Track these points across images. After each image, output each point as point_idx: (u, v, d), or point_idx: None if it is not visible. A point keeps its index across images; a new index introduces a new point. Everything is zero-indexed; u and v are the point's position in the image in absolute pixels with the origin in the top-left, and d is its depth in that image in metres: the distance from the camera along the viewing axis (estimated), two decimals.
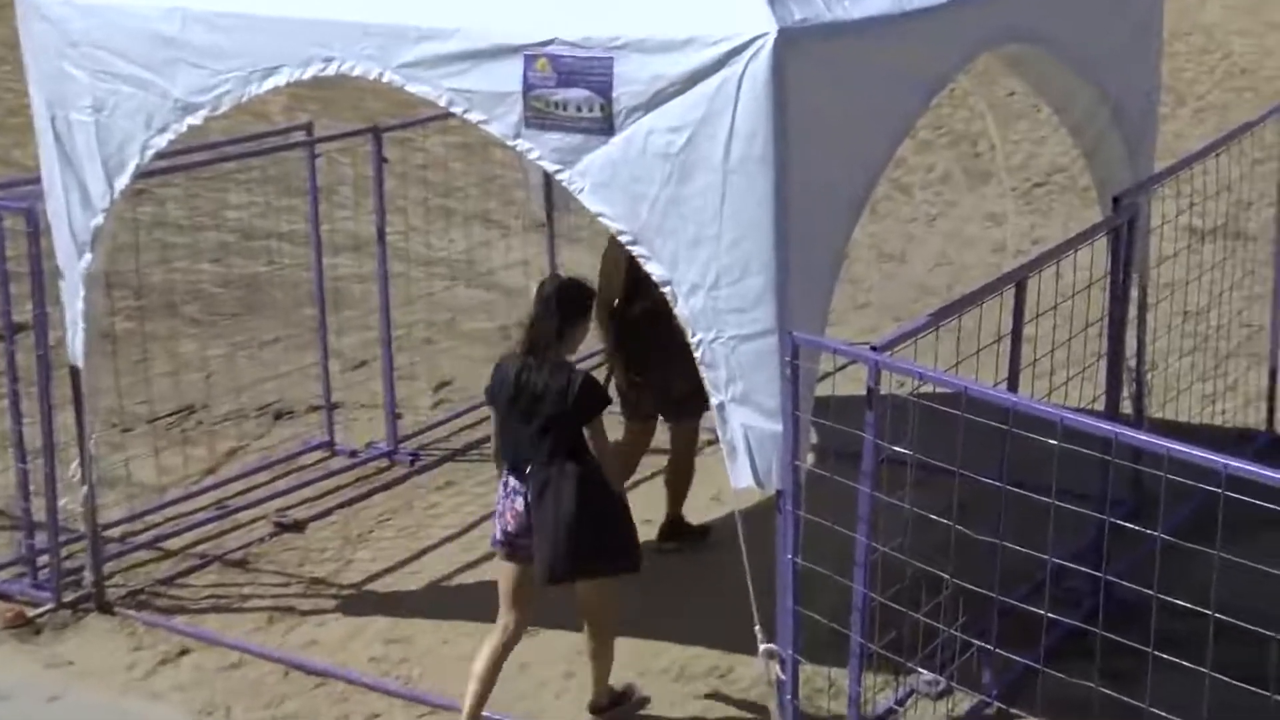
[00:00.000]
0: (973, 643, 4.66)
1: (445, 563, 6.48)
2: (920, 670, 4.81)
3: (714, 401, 4.66)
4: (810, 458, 4.95)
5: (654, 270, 4.66)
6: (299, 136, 7.63)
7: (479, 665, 5.11)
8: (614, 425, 5.87)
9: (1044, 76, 6.10)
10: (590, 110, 4.58)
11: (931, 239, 11.05)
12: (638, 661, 5.57)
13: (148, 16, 5.38)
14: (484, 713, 5.14)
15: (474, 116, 4.82)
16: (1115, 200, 5.74)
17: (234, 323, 9.28)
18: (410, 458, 7.45)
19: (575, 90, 4.59)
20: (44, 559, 6.23)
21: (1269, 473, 3.69)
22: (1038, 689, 4.73)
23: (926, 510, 4.48)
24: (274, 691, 5.58)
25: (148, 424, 7.69)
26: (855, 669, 4.62)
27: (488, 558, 6.45)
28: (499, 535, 5.12)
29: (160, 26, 5.34)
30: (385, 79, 4.96)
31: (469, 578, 6.36)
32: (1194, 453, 3.83)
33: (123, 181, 5.60)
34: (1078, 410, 4.40)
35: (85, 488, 6.05)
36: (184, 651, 5.83)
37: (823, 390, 5.05)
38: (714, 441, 5.25)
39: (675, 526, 6.45)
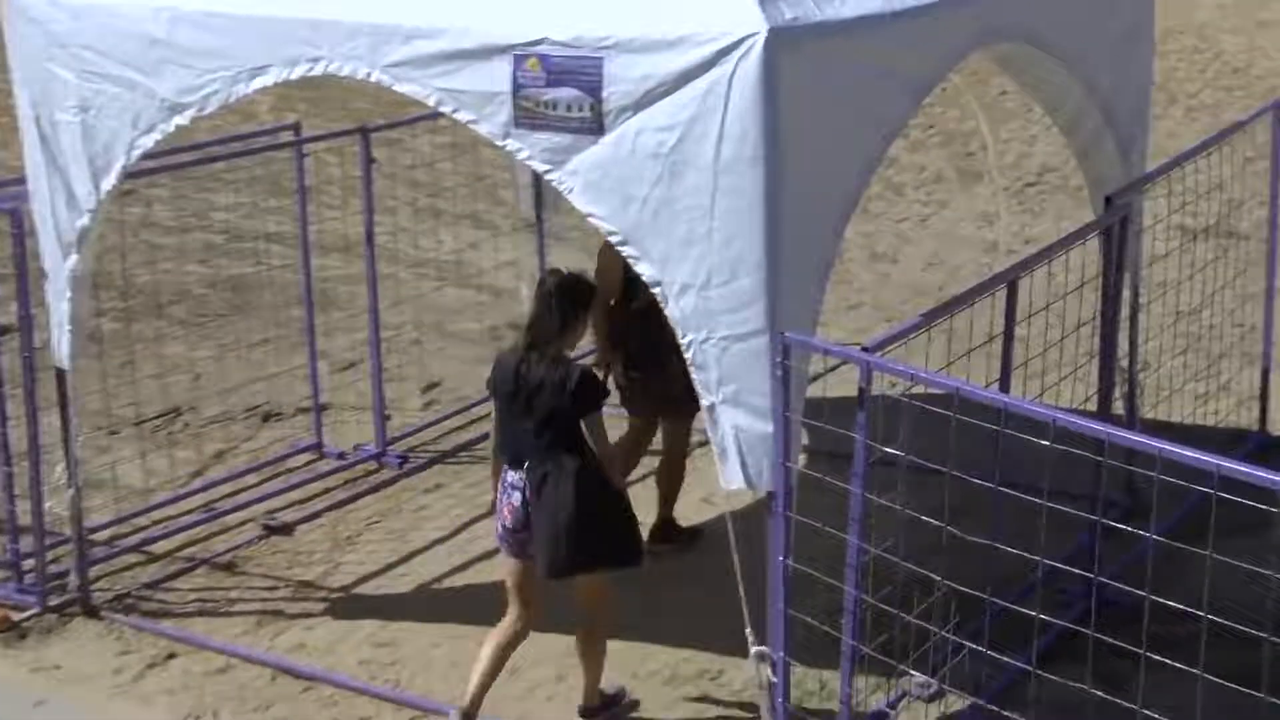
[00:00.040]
0: (965, 645, 4.64)
1: (434, 565, 6.46)
2: (912, 672, 4.79)
3: (705, 403, 4.65)
4: (802, 459, 4.93)
5: (644, 271, 4.65)
6: (287, 137, 7.59)
7: (483, 655, 5.14)
8: (614, 426, 5.87)
9: (1036, 76, 6.10)
10: (580, 110, 4.57)
11: (923, 239, 11.05)
12: (628, 664, 5.55)
13: (135, 17, 5.36)
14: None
15: (463, 116, 4.81)
16: (1107, 200, 5.74)
17: (221, 324, 9.25)
18: (399, 460, 7.43)
19: (565, 90, 4.58)
20: (29, 563, 6.19)
21: (1262, 473, 3.68)
22: (1030, 691, 4.72)
23: (918, 512, 4.47)
24: (262, 695, 5.55)
25: (134, 426, 7.67)
26: (847, 671, 4.61)
27: (477, 560, 6.49)
28: (499, 531, 5.14)
29: (147, 27, 5.32)
30: (373, 79, 4.95)
31: (458, 580, 6.35)
32: (1187, 454, 3.83)
33: (109, 182, 5.58)
34: (1070, 411, 4.39)
35: (71, 490, 6.02)
36: (171, 655, 5.80)
37: (814, 391, 5.04)
38: (705, 443, 5.23)
39: (666, 529, 6.43)
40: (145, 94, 5.38)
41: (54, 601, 6.09)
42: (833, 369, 6.37)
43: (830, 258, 4.76)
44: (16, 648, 5.87)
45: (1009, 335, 5.11)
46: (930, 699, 5.06)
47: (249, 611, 6.11)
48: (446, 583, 6.34)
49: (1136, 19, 6.36)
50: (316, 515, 6.90)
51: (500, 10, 4.74)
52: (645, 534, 6.27)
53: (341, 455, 7.45)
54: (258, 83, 5.18)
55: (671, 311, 4.62)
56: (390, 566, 6.46)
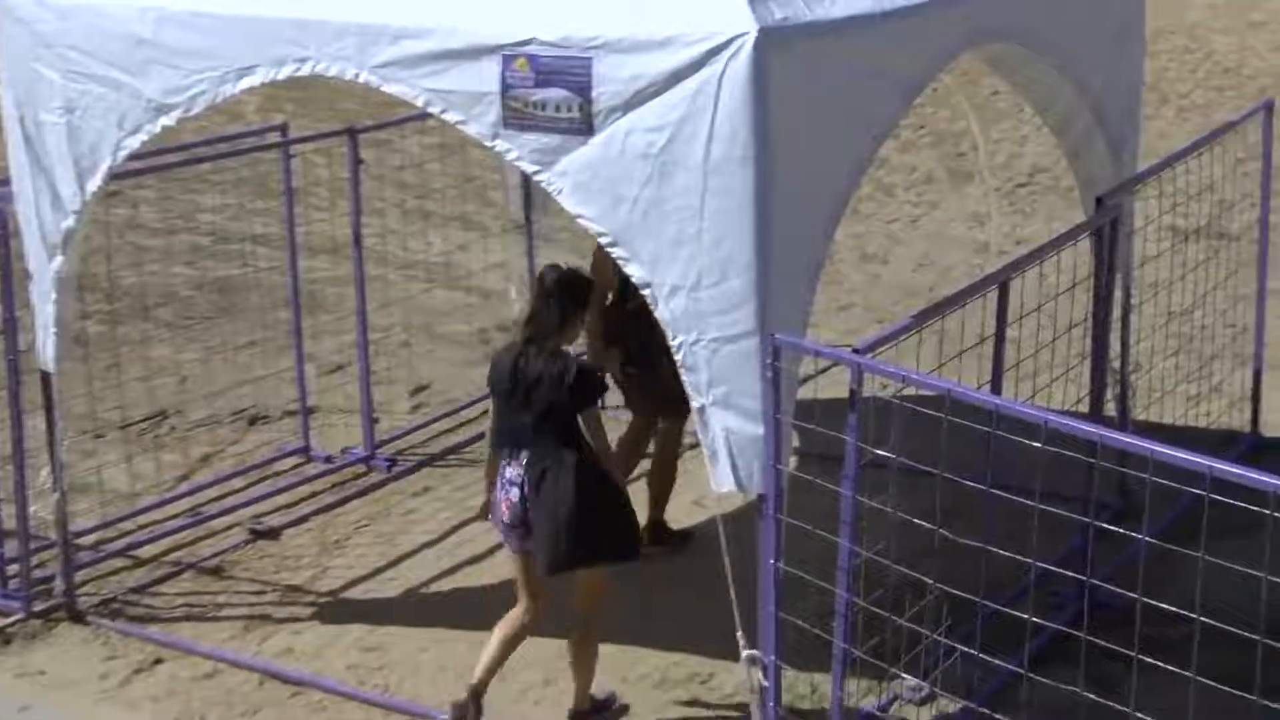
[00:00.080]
0: (957, 648, 4.62)
1: (423, 569, 6.44)
2: (904, 676, 4.77)
3: (695, 405, 4.64)
4: (793, 461, 4.92)
5: (634, 272, 4.64)
6: (274, 138, 7.58)
7: (492, 641, 5.16)
8: (614, 429, 5.86)
9: (1026, 76, 6.10)
10: (569, 110, 4.55)
11: (914, 240, 11.05)
12: (619, 668, 5.53)
13: (120, 17, 5.33)
14: None
15: (451, 117, 4.80)
16: (1098, 200, 5.74)
17: (208, 326, 9.22)
18: (387, 463, 7.40)
19: (554, 90, 4.57)
20: (14, 567, 6.15)
21: (1254, 475, 3.68)
22: (1022, 694, 4.70)
23: (910, 514, 4.46)
24: (249, 701, 5.52)
25: (120, 430, 7.63)
26: (838, 674, 4.59)
27: (466, 564, 6.47)
28: (500, 526, 5.15)
29: (133, 27, 5.30)
30: (361, 79, 4.93)
31: (447, 585, 6.32)
32: (1179, 455, 3.82)
33: (94, 183, 5.56)
34: (1062, 412, 4.38)
35: (56, 494, 5.99)
36: (158, 661, 5.77)
37: (805, 393, 5.02)
38: (696, 445, 5.22)
39: (657, 531, 6.40)
40: (131, 94, 5.36)
41: (39, 606, 6.05)
42: (823, 371, 6.36)
43: (821, 259, 4.75)
44: (1, 653, 5.83)
45: (1000, 336, 5.10)
46: (922, 702, 5.04)
47: (236, 616, 6.07)
48: (435, 587, 6.31)
49: (1127, 19, 6.37)
50: (304, 519, 6.87)
51: (488, 10, 4.72)
52: None
53: (329, 459, 7.42)
54: (245, 83, 5.16)
55: (661, 313, 4.61)
56: (378, 570, 6.44)
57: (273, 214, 9.38)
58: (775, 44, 4.35)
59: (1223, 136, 6.74)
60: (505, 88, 4.63)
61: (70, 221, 5.64)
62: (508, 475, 5.04)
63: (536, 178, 4.74)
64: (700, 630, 5.50)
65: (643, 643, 5.68)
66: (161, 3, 5.24)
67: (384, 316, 8.85)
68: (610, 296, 6.15)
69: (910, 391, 4.38)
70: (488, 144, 4.78)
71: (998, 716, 4.47)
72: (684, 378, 4.63)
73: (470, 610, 5.99)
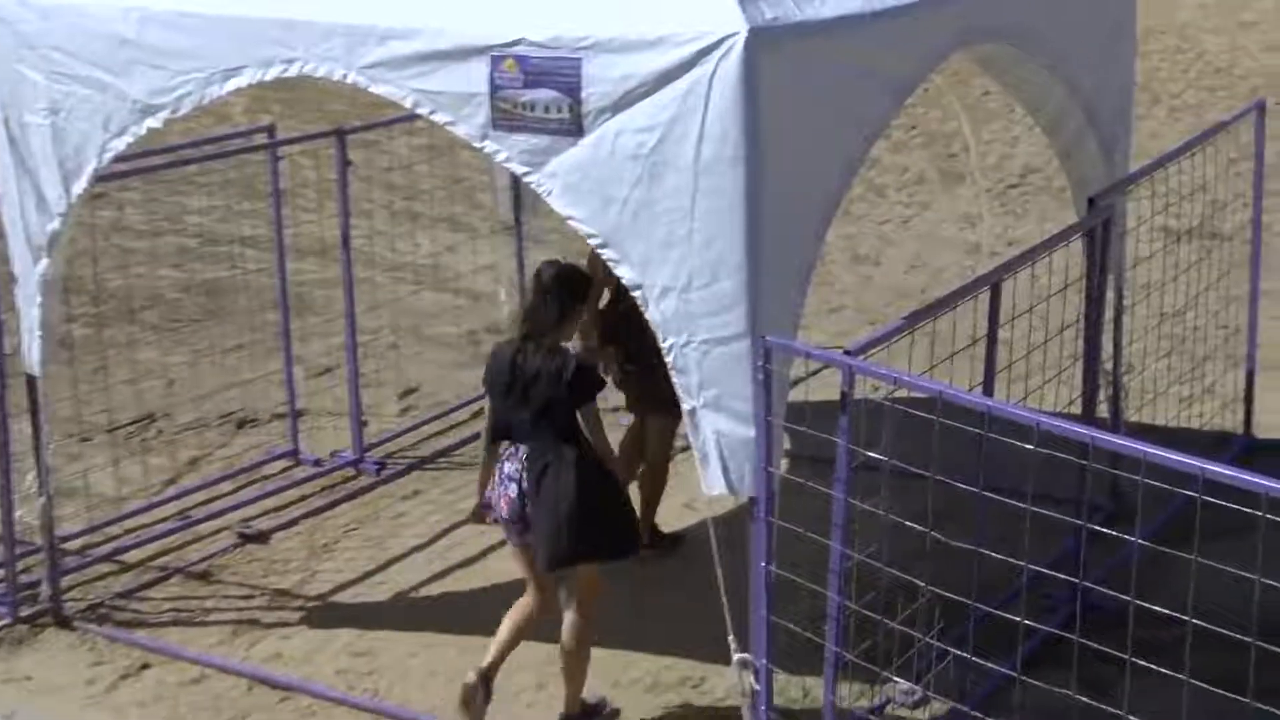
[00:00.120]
0: (949, 651, 4.60)
1: (413, 573, 6.41)
2: (896, 679, 4.75)
3: (686, 407, 4.62)
4: (784, 464, 4.90)
5: (624, 274, 4.62)
6: (261, 139, 7.54)
7: (502, 627, 5.18)
8: (618, 430, 5.86)
9: (1018, 76, 6.09)
10: (558, 111, 4.54)
11: (905, 241, 11.04)
12: (610, 672, 5.51)
13: (104, 17, 5.31)
14: None
15: (440, 118, 4.77)
16: (1090, 201, 5.73)
17: (195, 329, 9.19)
18: (376, 466, 7.37)
19: (543, 91, 4.55)
20: (0, 572, 6.10)
21: (1247, 477, 3.67)
22: (1015, 697, 4.69)
23: (902, 517, 4.44)
24: (237, 706, 5.49)
25: (107, 433, 7.60)
26: (830, 678, 4.57)
27: (456, 568, 6.45)
28: (500, 521, 5.17)
29: (117, 27, 5.27)
30: (349, 80, 4.91)
31: (437, 589, 6.30)
32: (1171, 457, 3.81)
33: (80, 185, 5.53)
34: (1054, 414, 4.37)
35: (42, 499, 5.96)
36: (145, 666, 5.74)
37: (796, 395, 5.01)
38: (687, 448, 5.20)
39: (648, 534, 6.37)
40: (116, 96, 5.33)
41: (25, 612, 6.01)
42: (815, 373, 6.33)
43: (812, 260, 4.74)
44: None
45: (992, 338, 5.09)
46: (914, 706, 5.02)
47: (224, 621, 6.04)
48: (425, 591, 6.28)
49: (1118, 18, 6.36)
50: (293, 523, 6.84)
51: (477, 10, 4.70)
52: None
53: (318, 462, 7.39)
54: (231, 84, 5.14)
55: (652, 315, 4.59)
56: (368, 575, 6.41)
57: (260, 216, 9.35)
58: (766, 44, 4.33)
59: (1215, 137, 6.74)
60: (494, 88, 4.61)
61: (55, 224, 5.61)
62: (505, 470, 5.04)
63: (526, 179, 4.72)
64: (692, 634, 5.47)
65: (634, 647, 5.66)
66: (145, 3, 5.21)
67: (372, 319, 8.83)
68: (608, 295, 6.13)
69: (902, 393, 4.36)
70: (476, 145, 4.76)
71: None
72: (674, 380, 4.61)
73: (460, 614, 5.98)
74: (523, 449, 5.01)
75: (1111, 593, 4.34)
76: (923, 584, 4.49)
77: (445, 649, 5.75)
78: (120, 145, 5.40)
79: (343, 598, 6.24)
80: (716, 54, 4.32)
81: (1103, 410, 6.27)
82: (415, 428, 7.80)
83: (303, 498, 7.07)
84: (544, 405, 4.93)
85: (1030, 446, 4.06)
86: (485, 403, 5.28)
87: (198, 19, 5.13)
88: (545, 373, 4.93)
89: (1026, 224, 10.90)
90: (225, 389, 8.04)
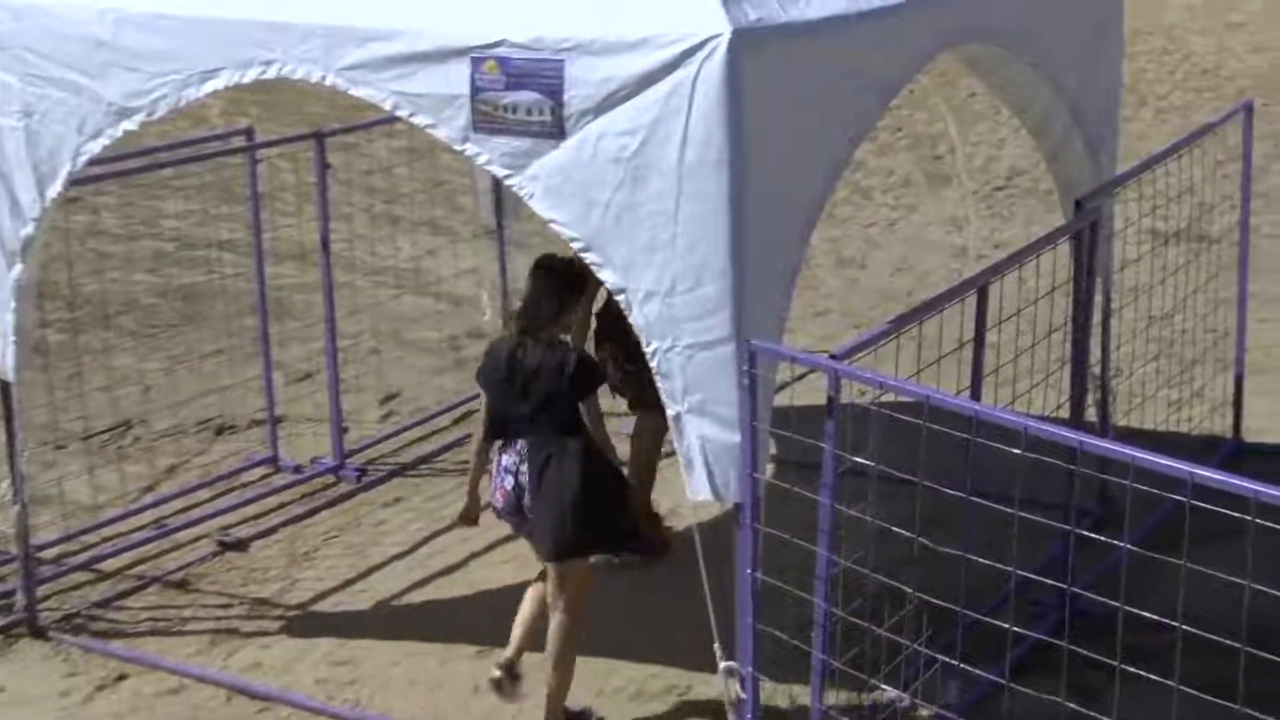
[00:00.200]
0: (937, 658, 4.57)
1: (394, 581, 6.36)
2: (884, 687, 4.71)
3: (670, 412, 4.60)
4: (769, 469, 4.88)
5: (607, 278, 4.59)
6: (239, 142, 7.49)
7: (522, 608, 5.21)
8: (618, 434, 5.83)
9: (1004, 77, 6.09)
10: (540, 113, 4.51)
11: (891, 243, 11.04)
12: (593, 681, 5.47)
13: (78, 19, 5.26)
14: None
15: (420, 120, 4.74)
16: (1077, 203, 5.72)
17: (172, 335, 9.13)
18: (357, 473, 7.33)
19: (524, 93, 4.52)
20: None
21: (1236, 481, 3.66)
22: (1003, 705, 4.68)
23: (889, 522, 4.42)
24: (216, 717, 5.44)
25: (82, 440, 7.54)
26: (817, 686, 4.54)
27: (438, 576, 6.42)
28: (497, 514, 5.18)
29: (92, 29, 5.23)
30: (328, 82, 4.87)
31: (418, 597, 6.26)
32: (1160, 461, 3.79)
33: (54, 189, 5.48)
34: (1042, 418, 4.35)
35: (17, 507, 5.90)
36: (121, 677, 5.68)
37: (782, 400, 4.98)
38: (672, 453, 5.17)
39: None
40: (91, 98, 5.28)
41: None
42: (800, 377, 6.33)
43: (797, 263, 4.71)
44: None
45: (979, 342, 5.07)
46: (902, 715, 4.98)
47: (202, 630, 5.99)
48: (406, 599, 6.24)
49: (1104, 17, 6.35)
50: (272, 530, 6.79)
51: (457, 12, 4.67)
52: None
53: (298, 469, 7.35)
54: (209, 86, 5.09)
55: (636, 319, 4.56)
56: (348, 583, 6.36)
57: (238, 219, 9.30)
58: (749, 45, 4.30)
59: (1202, 138, 6.73)
60: (475, 90, 4.57)
61: (29, 228, 5.55)
62: (503, 463, 5.05)
63: (507, 182, 4.69)
64: (677, 642, 5.45)
65: (618, 654, 5.62)
66: (121, 4, 5.17)
67: (353, 323, 8.79)
68: (606, 294, 6.10)
69: (888, 398, 4.34)
70: (457, 148, 4.72)
71: None
72: (659, 385, 4.59)
73: (442, 622, 5.94)
74: (521, 443, 5.00)
75: (1100, 598, 4.31)
76: (910, 590, 4.46)
77: (427, 658, 5.71)
78: (95, 148, 5.36)
79: (323, 606, 6.19)
80: (700, 55, 4.29)
81: (1091, 414, 6.27)
82: (396, 434, 7.77)
83: (282, 505, 7.02)
84: (544, 400, 4.95)
85: (1018, 451, 4.05)
86: (481, 400, 5.27)
87: (174, 20, 5.08)
88: (546, 367, 4.95)
89: (1013, 226, 10.91)
90: (203, 395, 7.99)
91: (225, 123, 12.02)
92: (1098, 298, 6.09)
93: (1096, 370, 6.37)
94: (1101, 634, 4.26)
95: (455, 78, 4.60)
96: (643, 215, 4.45)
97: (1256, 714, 3.83)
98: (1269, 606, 3.96)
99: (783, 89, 4.45)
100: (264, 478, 7.29)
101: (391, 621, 6.03)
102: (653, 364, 4.57)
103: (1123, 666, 4.03)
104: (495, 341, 5.20)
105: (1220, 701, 3.89)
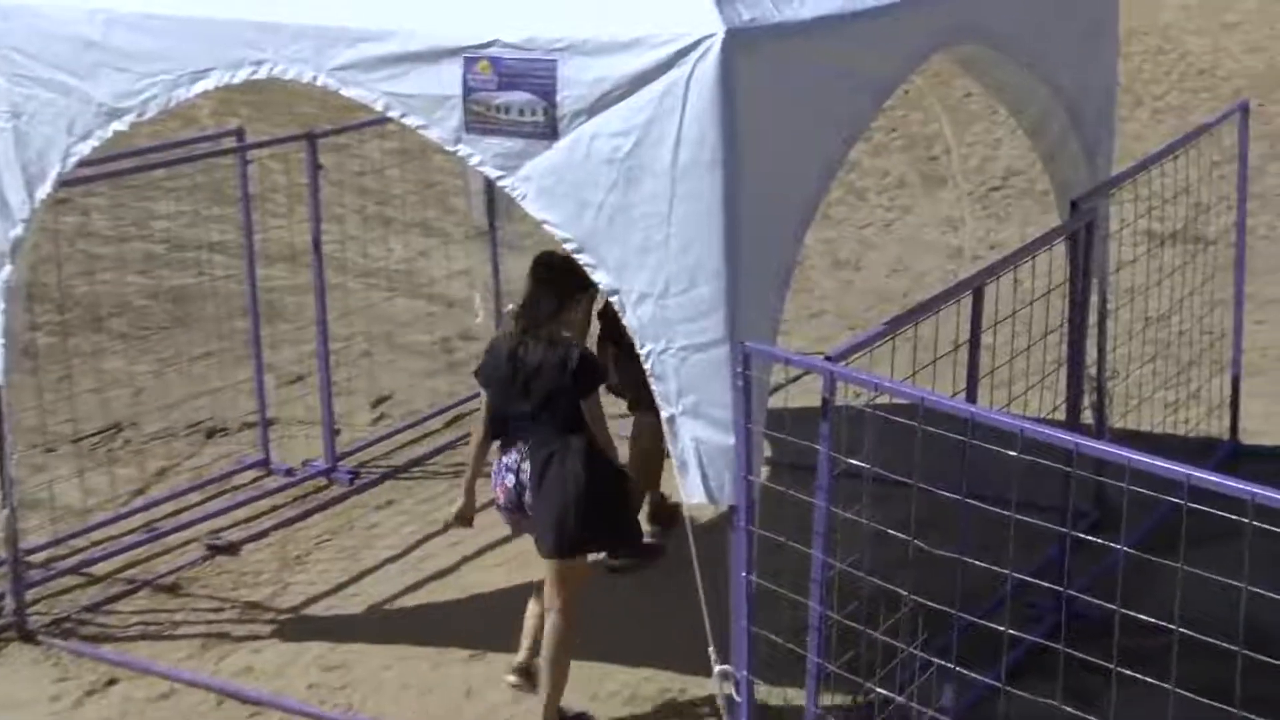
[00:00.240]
0: (933, 661, 4.55)
1: (386, 585, 6.33)
2: (878, 690, 4.69)
3: (664, 415, 4.58)
4: (764, 472, 4.86)
5: (601, 279, 4.58)
6: (230, 143, 7.47)
7: (528, 611, 5.24)
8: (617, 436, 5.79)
9: (999, 78, 6.07)
10: (533, 114, 4.49)
11: (887, 245, 11.03)
12: (587, 684, 5.44)
13: (67, 19, 5.24)
14: None
15: (412, 121, 4.72)
16: (1073, 204, 5.70)
17: (163, 337, 9.10)
18: (349, 476, 7.29)
19: (517, 93, 4.50)
20: None
21: (1233, 483, 3.64)
22: (1000, 708, 4.67)
23: (884, 525, 4.40)
24: None
25: (72, 444, 7.51)
26: (812, 689, 4.52)
27: (430, 579, 6.39)
28: (499, 511, 5.21)
29: (81, 29, 5.21)
30: (319, 82, 4.85)
31: (411, 600, 6.23)
32: (1157, 463, 3.78)
33: (44, 190, 5.46)
34: (1038, 420, 4.33)
35: (6, 511, 5.87)
36: (112, 681, 5.65)
37: (776, 402, 4.97)
38: (665, 456, 5.15)
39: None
40: (80, 99, 5.26)
41: None
42: (795, 379, 6.32)
43: (791, 264, 4.70)
44: None
45: (975, 343, 5.05)
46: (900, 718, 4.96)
47: (193, 635, 5.96)
48: (398, 603, 6.21)
49: (1100, 18, 6.34)
50: (264, 534, 6.76)
51: (449, 12, 4.65)
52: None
53: (289, 472, 7.31)
54: (199, 87, 5.08)
55: (629, 321, 4.55)
56: (340, 586, 6.33)
57: (229, 221, 9.28)
58: (743, 45, 4.29)
59: (1198, 139, 6.72)
60: (467, 91, 4.55)
61: (19, 230, 5.53)
62: (504, 461, 5.07)
63: (500, 183, 4.67)
64: (671, 645, 5.42)
65: (612, 658, 5.60)
66: (110, 4, 5.15)
67: (344, 325, 8.76)
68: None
69: (884, 400, 4.32)
70: (449, 149, 4.70)
71: None
72: (653, 387, 4.57)
73: (435, 626, 5.91)
74: (522, 441, 5.02)
75: (1097, 601, 4.32)
76: (905, 593, 4.44)
77: (419, 662, 5.68)
78: (85, 149, 5.34)
79: (315, 610, 6.16)
80: (693, 55, 4.28)
81: (1087, 416, 6.26)
82: (388, 436, 7.73)
83: (274, 508, 6.99)
84: (546, 397, 4.97)
85: (1014, 453, 4.03)
86: (481, 398, 5.27)
87: (164, 20, 5.06)
88: (548, 365, 4.96)
89: (1009, 227, 10.90)
90: (194, 398, 7.95)
91: (216, 123, 11.99)
92: (1094, 299, 6.08)
93: (1093, 372, 6.36)
94: (1098, 637, 4.26)
95: (447, 78, 4.58)
96: (636, 216, 4.44)
97: (1253, 717, 3.82)
98: (1266, 609, 3.96)
99: (776, 89, 4.43)
100: (255, 481, 7.26)
101: (384, 625, 6.00)
102: (646, 366, 4.55)
103: (1119, 669, 4.03)
104: (496, 340, 5.21)
105: (1217, 704, 3.88)
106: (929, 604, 4.45)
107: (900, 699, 4.58)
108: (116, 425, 7.79)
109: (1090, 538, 4.51)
